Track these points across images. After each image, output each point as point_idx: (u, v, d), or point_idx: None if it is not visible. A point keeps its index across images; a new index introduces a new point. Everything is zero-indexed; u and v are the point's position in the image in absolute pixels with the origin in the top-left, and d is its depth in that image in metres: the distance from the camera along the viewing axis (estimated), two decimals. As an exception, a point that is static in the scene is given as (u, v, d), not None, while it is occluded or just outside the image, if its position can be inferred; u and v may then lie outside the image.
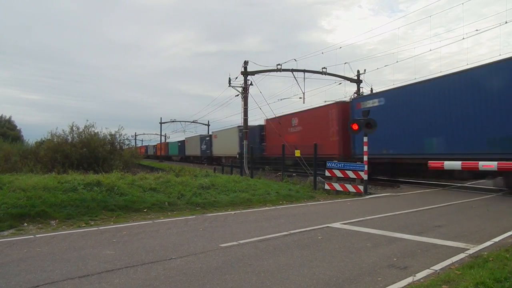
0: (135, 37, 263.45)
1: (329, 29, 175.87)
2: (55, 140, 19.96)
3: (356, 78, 28.96)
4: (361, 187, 13.10)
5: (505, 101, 12.40)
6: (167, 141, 74.44)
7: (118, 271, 4.62)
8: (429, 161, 14.53)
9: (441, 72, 17.68)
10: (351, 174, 13.60)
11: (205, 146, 46.11)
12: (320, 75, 27.03)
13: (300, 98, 26.58)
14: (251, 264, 4.91)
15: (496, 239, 6.20)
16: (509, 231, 6.82)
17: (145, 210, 9.25)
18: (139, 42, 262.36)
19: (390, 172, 18.86)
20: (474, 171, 13.52)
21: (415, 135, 15.93)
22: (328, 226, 7.49)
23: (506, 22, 17.90)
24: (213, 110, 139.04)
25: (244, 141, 26.84)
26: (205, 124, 64.81)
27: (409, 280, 4.27)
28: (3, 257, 5.28)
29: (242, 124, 27.66)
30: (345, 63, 30.81)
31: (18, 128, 58.15)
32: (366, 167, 13.47)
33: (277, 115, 26.84)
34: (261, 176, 18.51)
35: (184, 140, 58.13)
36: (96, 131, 20.81)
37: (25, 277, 4.38)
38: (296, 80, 26.15)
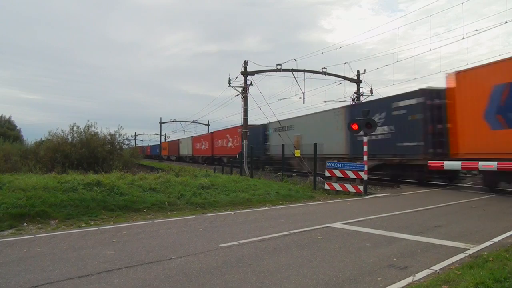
0: (135, 37, 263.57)
1: (329, 29, 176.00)
2: (54, 140, 19.98)
3: (356, 78, 28.97)
4: (361, 187, 13.10)
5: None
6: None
7: (118, 271, 4.62)
8: (429, 161, 14.53)
9: (440, 72, 17.87)
10: (351, 174, 13.60)
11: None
12: (320, 75, 27.05)
13: (300, 98, 26.65)
14: (251, 264, 4.91)
15: (496, 239, 6.21)
16: (509, 231, 6.82)
17: (145, 210, 9.25)
18: (139, 42, 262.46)
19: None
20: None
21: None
22: (328, 226, 7.49)
23: (506, 22, 17.91)
24: (213, 110, 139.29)
25: (244, 141, 26.83)
26: (205, 124, 64.83)
27: (409, 280, 4.27)
28: (3, 257, 5.28)
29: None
30: (345, 63, 30.91)
31: (18, 128, 58.06)
32: (366, 167, 13.47)
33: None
34: (261, 176, 18.51)
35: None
36: (96, 131, 20.86)
37: (25, 277, 4.38)
38: (296, 80, 26.18)
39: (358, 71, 29.16)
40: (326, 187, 13.98)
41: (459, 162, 13.41)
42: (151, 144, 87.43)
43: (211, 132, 45.52)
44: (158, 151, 72.90)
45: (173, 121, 66.61)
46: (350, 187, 13.24)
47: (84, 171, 14.95)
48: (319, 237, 6.52)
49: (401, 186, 16.22)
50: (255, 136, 30.13)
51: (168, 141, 72.88)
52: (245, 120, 27.28)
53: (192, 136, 54.47)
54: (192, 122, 65.43)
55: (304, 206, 10.81)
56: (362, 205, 10.96)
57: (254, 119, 31.13)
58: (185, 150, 56.19)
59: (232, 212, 9.44)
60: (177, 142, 62.66)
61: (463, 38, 30.40)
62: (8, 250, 5.63)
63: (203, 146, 47.18)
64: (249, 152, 22.96)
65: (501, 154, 12.14)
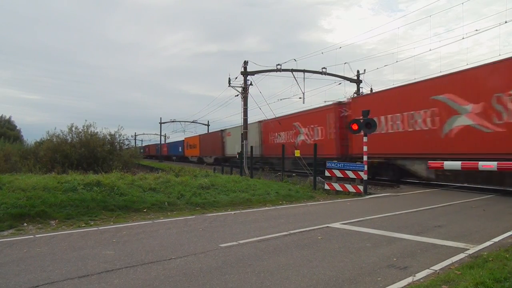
0: (135, 37, 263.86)
1: (329, 29, 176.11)
2: (54, 140, 19.98)
3: (356, 78, 28.97)
4: (361, 187, 13.10)
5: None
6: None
7: (118, 271, 4.62)
8: (429, 161, 14.53)
9: (440, 72, 17.36)
10: (350, 174, 13.60)
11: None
12: (320, 75, 27.03)
13: (300, 98, 26.59)
14: (251, 264, 4.91)
15: (496, 239, 6.21)
16: (509, 231, 6.82)
17: (144, 210, 9.24)
18: (139, 42, 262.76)
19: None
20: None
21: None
22: (328, 226, 7.49)
23: (506, 22, 17.83)
24: (213, 110, 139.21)
25: (244, 141, 26.81)
26: (205, 124, 64.82)
27: (409, 280, 4.27)
28: (3, 257, 5.27)
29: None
30: (345, 63, 30.85)
31: (18, 128, 58.12)
32: (366, 167, 13.47)
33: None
34: (261, 176, 18.51)
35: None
36: (95, 131, 20.85)
37: (24, 277, 4.37)
38: (296, 80, 26.15)
39: (358, 71, 29.16)
40: (326, 187, 13.98)
41: (459, 162, 13.40)
42: (153, 142, 77.22)
43: (329, 106, 21.42)
44: (180, 150, 54.94)
45: (173, 121, 66.56)
46: (350, 187, 13.24)
47: (84, 171, 14.94)
48: (319, 237, 6.52)
49: (401, 186, 16.22)
50: None
51: (201, 135, 48.05)
52: (245, 120, 27.26)
53: (261, 121, 29.57)
54: (192, 122, 65.39)
55: (304, 206, 10.81)
56: (362, 205, 10.96)
57: (254, 119, 30.24)
58: (238, 147, 28.73)
59: (232, 212, 9.44)
60: (219, 135, 38.85)
61: (463, 38, 30.17)
62: (8, 250, 5.63)
63: (302, 137, 23.71)
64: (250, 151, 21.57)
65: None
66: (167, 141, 73.92)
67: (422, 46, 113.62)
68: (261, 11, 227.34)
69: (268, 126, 28.61)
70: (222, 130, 38.80)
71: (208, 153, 42.38)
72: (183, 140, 54.80)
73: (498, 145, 12.15)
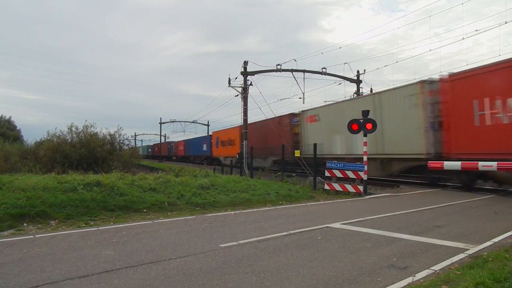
0: (135, 37, 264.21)
1: (329, 29, 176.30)
2: (54, 140, 20.00)
3: (355, 78, 28.99)
4: (360, 187, 13.09)
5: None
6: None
7: (118, 271, 4.62)
8: (428, 161, 14.54)
9: (440, 72, 17.14)
10: (350, 174, 13.60)
11: None
12: (320, 75, 27.07)
13: (300, 98, 26.62)
14: (250, 264, 4.91)
15: (496, 239, 6.21)
16: (509, 231, 6.82)
17: (144, 210, 9.24)
18: (139, 42, 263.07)
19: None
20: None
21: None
22: (328, 226, 7.49)
23: (506, 22, 17.87)
24: (213, 110, 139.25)
25: (244, 141, 26.80)
26: (205, 124, 64.82)
27: (409, 280, 4.27)
28: (2, 257, 5.27)
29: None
30: (344, 63, 30.84)
31: (18, 128, 58.12)
32: (366, 167, 13.46)
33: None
34: (261, 176, 18.51)
35: None
36: (95, 131, 20.87)
37: (24, 277, 4.37)
38: (296, 80, 26.18)
39: (358, 71, 29.21)
40: (326, 187, 13.97)
41: (459, 163, 13.40)
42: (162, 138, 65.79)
43: None
44: (205, 148, 41.92)
45: (173, 121, 66.55)
46: (350, 187, 13.23)
47: (84, 171, 14.94)
48: (319, 237, 6.52)
49: (401, 186, 16.22)
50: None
51: (246, 125, 27.42)
52: (245, 120, 27.25)
53: (431, 81, 14.48)
54: (192, 122, 65.38)
55: (304, 206, 10.81)
56: (362, 205, 10.95)
57: (254, 119, 29.91)
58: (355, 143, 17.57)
59: (232, 212, 9.44)
60: (285, 123, 25.56)
61: (463, 39, 30.17)
62: (8, 250, 5.63)
63: None
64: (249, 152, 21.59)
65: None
66: (167, 140, 73.36)
67: (422, 46, 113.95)
68: (261, 11, 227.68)
69: (466, 87, 13.37)
70: (293, 114, 24.91)
71: (259, 153, 26.20)
72: (210, 136, 41.30)
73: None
